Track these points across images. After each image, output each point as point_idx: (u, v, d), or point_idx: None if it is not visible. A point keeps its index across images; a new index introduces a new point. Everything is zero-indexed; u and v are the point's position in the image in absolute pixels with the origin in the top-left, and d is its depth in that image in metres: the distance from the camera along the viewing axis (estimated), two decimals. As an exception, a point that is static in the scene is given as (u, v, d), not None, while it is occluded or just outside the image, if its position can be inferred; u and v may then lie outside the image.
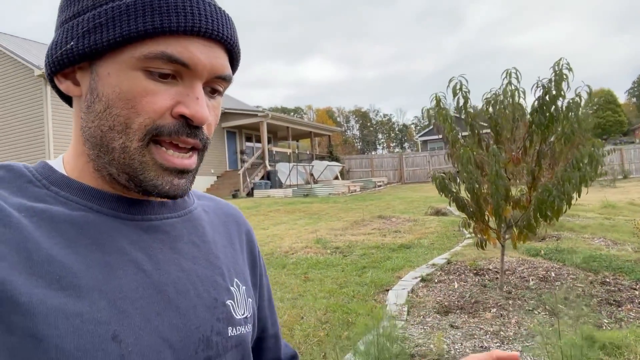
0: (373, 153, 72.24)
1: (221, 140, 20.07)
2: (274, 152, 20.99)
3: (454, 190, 4.21)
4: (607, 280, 4.69)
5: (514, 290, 4.50)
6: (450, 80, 3.97)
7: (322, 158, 23.62)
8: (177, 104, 0.52)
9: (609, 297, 4.17)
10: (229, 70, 0.57)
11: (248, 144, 22.38)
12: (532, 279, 4.79)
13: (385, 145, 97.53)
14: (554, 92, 3.81)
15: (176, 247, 0.58)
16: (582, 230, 7.64)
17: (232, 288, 0.62)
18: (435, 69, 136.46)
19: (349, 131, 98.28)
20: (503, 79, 4.00)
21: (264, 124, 18.98)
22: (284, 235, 8.31)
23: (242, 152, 20.98)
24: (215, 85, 0.56)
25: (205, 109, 0.53)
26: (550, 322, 3.62)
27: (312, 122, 25.16)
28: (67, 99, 0.59)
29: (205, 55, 0.52)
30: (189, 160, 0.55)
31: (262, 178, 18.90)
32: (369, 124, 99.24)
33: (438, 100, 4.25)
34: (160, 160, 0.53)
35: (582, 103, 3.83)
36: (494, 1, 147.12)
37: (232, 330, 0.59)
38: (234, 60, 0.59)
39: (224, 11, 0.55)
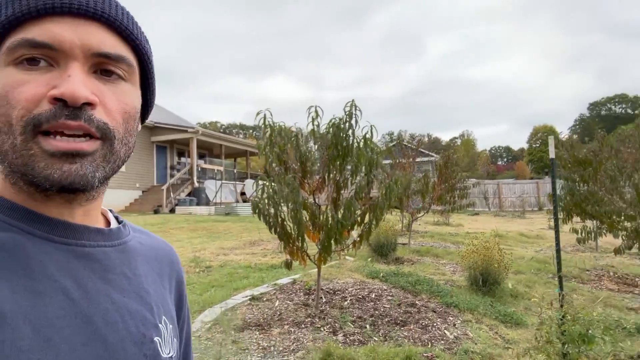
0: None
1: (150, 154, 19.92)
2: (206, 169, 21.01)
3: (266, 214, 4.52)
4: (416, 302, 5.12)
5: (328, 309, 4.84)
6: (257, 114, 4.32)
7: (257, 177, 23.78)
8: (51, 89, 0.49)
9: (401, 317, 4.57)
10: (113, 48, 0.53)
11: (182, 159, 22.30)
12: (351, 299, 5.15)
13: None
14: (343, 129, 4.22)
15: (107, 277, 0.56)
16: (445, 256, 8.18)
17: (160, 325, 0.60)
18: (397, 94, 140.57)
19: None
20: (308, 117, 4.39)
21: (194, 140, 19.03)
22: (166, 252, 8.41)
23: (172, 168, 20.87)
24: (105, 66, 0.53)
25: (78, 85, 0.49)
26: (325, 338, 3.95)
27: (247, 141, 25.30)
28: None
29: (71, 32, 0.50)
30: (81, 144, 0.50)
31: (189, 195, 18.86)
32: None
33: (270, 135, 4.56)
34: (47, 146, 0.49)
35: (373, 138, 4.26)
36: (454, 34, 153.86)
37: None
38: (130, 41, 0.56)
39: None
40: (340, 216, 4.13)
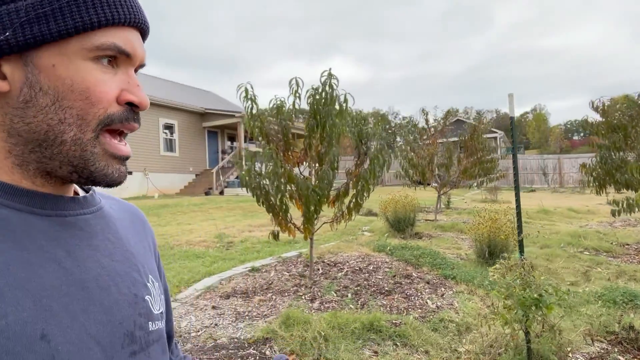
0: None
1: (202, 139, 20.78)
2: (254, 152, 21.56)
3: (254, 186, 4.63)
4: (413, 274, 5.04)
5: (321, 279, 4.91)
6: (238, 87, 4.41)
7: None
8: (122, 92, 0.53)
9: (388, 287, 4.53)
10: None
11: (235, 143, 23.03)
12: (347, 271, 5.18)
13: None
14: (322, 100, 4.21)
15: (92, 243, 0.57)
16: (469, 232, 7.89)
17: (148, 284, 0.63)
18: (462, 70, 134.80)
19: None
20: (290, 89, 4.41)
21: (240, 125, 19.55)
22: (197, 230, 8.85)
23: (224, 152, 21.65)
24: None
25: (145, 94, 0.55)
26: (300, 306, 4.03)
27: (299, 124, 25.44)
28: None
29: (139, 45, 0.56)
30: (128, 148, 0.57)
31: (238, 177, 19.50)
32: (387, 126, 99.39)
33: (251, 109, 4.63)
34: (112, 150, 0.54)
35: (347, 108, 4.21)
36: (522, 2, 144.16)
37: (152, 325, 0.60)
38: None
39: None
40: (312, 188, 4.15)
